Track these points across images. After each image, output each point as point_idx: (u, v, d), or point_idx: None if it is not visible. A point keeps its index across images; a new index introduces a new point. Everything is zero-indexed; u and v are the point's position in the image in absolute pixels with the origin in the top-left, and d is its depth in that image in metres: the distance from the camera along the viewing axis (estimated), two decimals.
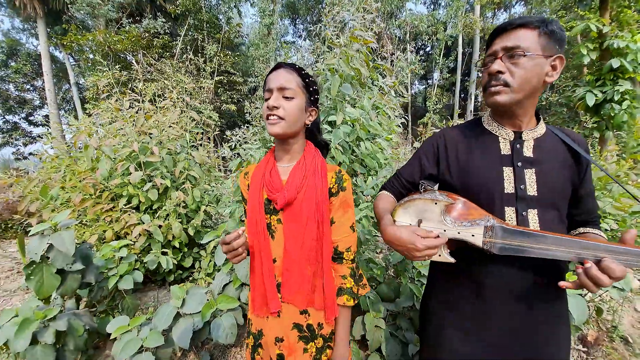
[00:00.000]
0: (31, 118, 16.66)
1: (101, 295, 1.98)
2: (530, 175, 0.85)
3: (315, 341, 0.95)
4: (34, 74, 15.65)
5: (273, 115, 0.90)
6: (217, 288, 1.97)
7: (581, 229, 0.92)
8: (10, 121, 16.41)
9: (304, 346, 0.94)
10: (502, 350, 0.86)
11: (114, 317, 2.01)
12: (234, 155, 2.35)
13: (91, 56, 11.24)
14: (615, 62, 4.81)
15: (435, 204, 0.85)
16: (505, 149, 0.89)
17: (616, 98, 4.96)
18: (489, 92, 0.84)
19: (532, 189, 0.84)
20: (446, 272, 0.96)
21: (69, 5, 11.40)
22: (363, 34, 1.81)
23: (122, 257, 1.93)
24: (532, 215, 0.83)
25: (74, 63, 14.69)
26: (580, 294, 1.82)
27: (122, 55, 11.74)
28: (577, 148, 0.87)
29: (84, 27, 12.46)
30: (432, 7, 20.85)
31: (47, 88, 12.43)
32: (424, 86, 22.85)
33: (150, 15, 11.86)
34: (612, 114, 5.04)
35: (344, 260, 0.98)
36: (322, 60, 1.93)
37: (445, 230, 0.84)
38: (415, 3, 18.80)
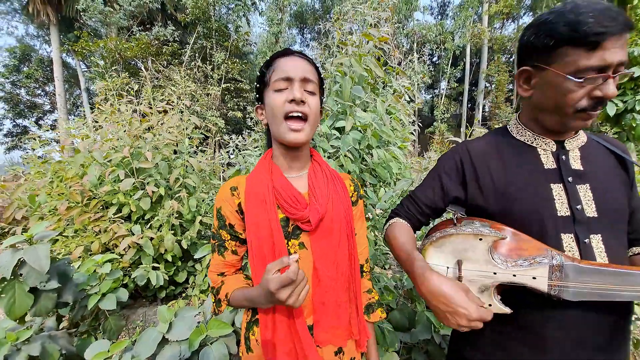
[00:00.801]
0: (41, 122, 16.92)
1: (83, 314, 1.80)
2: (585, 193, 0.69)
3: None
4: (46, 79, 15.97)
5: (298, 112, 0.70)
6: (210, 308, 1.78)
7: (635, 249, 0.76)
8: (21, 125, 16.66)
9: None
10: None
11: (96, 339, 1.83)
12: (234, 163, 2.19)
13: (101, 62, 11.37)
14: (637, 71, 4.60)
15: (480, 239, 0.66)
16: (548, 162, 0.72)
17: (637, 108, 4.75)
18: (584, 116, 0.64)
19: (590, 210, 0.67)
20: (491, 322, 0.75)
21: (81, 13, 11.62)
22: (376, 33, 1.65)
23: (106, 273, 1.75)
24: (597, 242, 0.66)
25: (85, 69, 14.96)
26: None
27: (132, 62, 11.90)
28: (624, 155, 0.73)
29: (95, 34, 12.70)
30: (439, 17, 20.89)
31: (57, 93, 12.62)
32: (430, 95, 22.73)
33: (161, 23, 12.04)
34: (634, 125, 4.81)
35: (364, 274, 0.88)
36: (330, 62, 1.77)
37: (495, 273, 0.65)
38: (423, 13, 18.81)
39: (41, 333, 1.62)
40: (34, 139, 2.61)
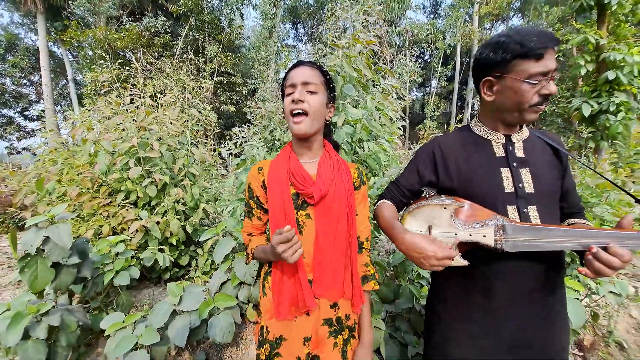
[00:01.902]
0: (26, 113, 16.48)
1: (95, 292, 1.94)
2: (525, 174, 0.89)
3: (343, 333, 0.96)
4: (31, 69, 15.53)
5: (298, 109, 0.91)
6: (214, 286, 1.95)
7: (569, 220, 0.98)
8: (5, 115, 16.20)
9: (333, 341, 0.94)
10: (511, 349, 0.87)
11: (107, 314, 1.97)
12: (230, 155, 2.34)
13: (90, 53, 11.18)
14: (611, 74, 4.92)
15: (445, 208, 0.87)
16: (499, 151, 0.93)
17: (611, 109, 5.07)
18: (535, 110, 0.84)
19: (529, 187, 0.88)
20: (453, 275, 0.96)
21: (69, 2, 11.36)
22: (365, 36, 1.83)
23: (118, 253, 1.90)
24: (533, 212, 0.87)
25: (73, 59, 14.61)
26: (578, 298, 1.84)
27: (122, 53, 11.71)
28: (558, 146, 0.94)
29: (84, 23, 12.42)
30: (431, 16, 21.15)
31: (44, 83, 12.33)
32: (421, 94, 23.08)
33: (151, 14, 11.87)
34: (608, 125, 5.14)
35: (364, 250, 1.04)
36: (323, 62, 1.94)
37: (456, 234, 0.85)
38: (415, 11, 19.01)
39: (58, 307, 1.76)
40: (43, 129, 2.70)
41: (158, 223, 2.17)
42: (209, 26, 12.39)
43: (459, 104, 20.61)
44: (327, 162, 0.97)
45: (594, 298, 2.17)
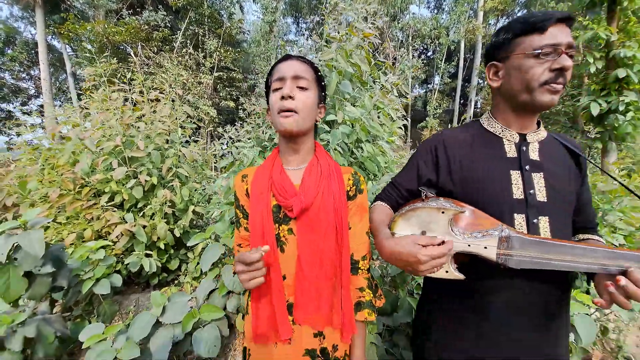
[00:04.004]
0: (26, 107, 16.37)
1: (77, 299, 1.84)
2: (538, 180, 0.79)
3: None
4: (30, 63, 15.41)
5: (287, 107, 0.79)
6: (202, 295, 1.84)
7: (580, 236, 0.88)
8: (4, 110, 16.10)
9: None
10: None
11: (90, 322, 1.87)
12: (226, 154, 2.22)
13: (89, 47, 11.03)
14: (621, 72, 4.74)
15: (442, 212, 0.75)
16: (510, 151, 0.82)
17: (621, 109, 4.90)
18: (549, 88, 0.73)
19: (541, 195, 0.77)
20: (447, 288, 0.84)
21: None
22: (362, 27, 1.69)
23: (100, 259, 1.79)
24: (544, 223, 0.77)
25: (72, 53, 14.46)
26: (587, 313, 1.72)
27: (121, 47, 11.57)
28: (579, 152, 0.84)
29: (82, 16, 12.27)
30: (435, 11, 20.82)
31: (42, 77, 12.20)
32: (424, 90, 22.82)
33: (151, 8, 11.67)
34: (616, 125, 4.97)
35: (359, 271, 0.89)
36: (319, 55, 1.81)
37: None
38: (418, 6, 18.70)
39: (35, 317, 1.66)
40: (24, 125, 2.59)
41: (144, 227, 2.06)
42: (209, 20, 12.22)
43: (462, 101, 20.37)
44: (314, 169, 0.85)
45: (605, 312, 2.06)
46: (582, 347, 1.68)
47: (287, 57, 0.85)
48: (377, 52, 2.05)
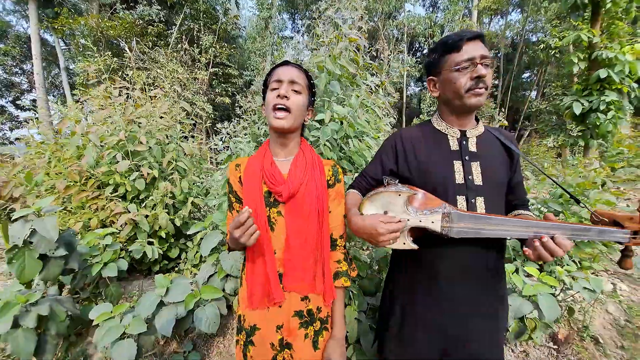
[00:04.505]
0: (18, 102, 16.20)
1: (84, 283, 1.97)
2: (476, 168, 0.97)
3: (314, 324, 1.00)
4: (23, 57, 15.23)
5: (281, 104, 0.93)
6: (202, 279, 1.99)
7: (515, 212, 1.06)
8: None
9: (304, 332, 0.99)
10: (454, 329, 0.95)
11: (97, 305, 2.01)
12: (224, 148, 2.36)
13: (82, 41, 10.96)
14: (602, 73, 4.96)
15: (399, 195, 0.92)
16: (454, 145, 1.00)
17: (602, 108, 5.12)
18: (474, 93, 0.91)
19: (478, 179, 0.96)
20: (406, 261, 1.05)
21: None
22: (350, 32, 1.84)
23: (106, 245, 1.93)
24: (480, 202, 0.95)
25: (65, 47, 14.32)
26: (553, 294, 1.91)
27: (115, 42, 11.51)
28: (509, 144, 1.02)
29: (76, 10, 12.15)
30: (430, 9, 20.95)
31: (35, 72, 12.08)
32: (419, 88, 23.01)
33: (145, 2, 11.62)
34: (598, 124, 5.20)
35: (337, 247, 1.06)
36: (309, 60, 1.95)
37: (408, 220, 0.90)
38: (413, 5, 18.81)
39: (47, 296, 1.79)
40: (25, 120, 2.69)
41: (147, 216, 2.20)
42: (204, 15, 12.19)
43: None
44: (300, 161, 1.01)
45: (570, 293, 2.25)
46: (546, 322, 1.87)
47: (286, 63, 1.00)
48: (368, 52, 2.19)
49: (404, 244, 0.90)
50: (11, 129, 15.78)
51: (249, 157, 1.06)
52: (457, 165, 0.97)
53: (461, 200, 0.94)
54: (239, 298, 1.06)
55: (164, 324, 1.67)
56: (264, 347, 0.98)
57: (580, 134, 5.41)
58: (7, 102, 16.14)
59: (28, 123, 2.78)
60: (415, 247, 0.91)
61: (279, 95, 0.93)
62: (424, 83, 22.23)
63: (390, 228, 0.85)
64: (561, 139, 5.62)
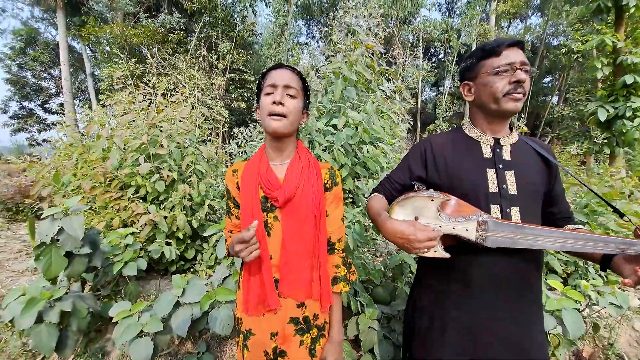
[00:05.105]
0: (46, 106, 17.06)
1: (105, 280, 2.04)
2: (510, 177, 0.94)
3: (311, 332, 0.98)
4: (51, 63, 16.03)
5: (277, 112, 0.92)
6: (217, 280, 2.02)
7: (569, 226, 1.01)
8: (26, 108, 16.81)
9: (300, 339, 0.97)
10: (487, 335, 0.91)
11: (116, 302, 2.07)
12: (240, 153, 2.41)
13: (107, 48, 11.48)
14: (629, 79, 4.77)
15: (432, 200, 0.90)
16: (487, 153, 0.98)
17: (628, 114, 4.91)
18: (511, 97, 0.90)
19: (512, 189, 0.93)
20: (436, 268, 1.01)
21: None
22: (366, 39, 1.85)
23: (127, 245, 1.99)
24: (515, 212, 0.92)
25: (91, 54, 15.03)
26: (577, 309, 1.83)
27: (138, 49, 11.98)
28: (546, 154, 0.99)
29: (102, 19, 12.75)
30: (446, 14, 20.77)
31: (63, 77, 12.72)
32: (434, 93, 22.75)
33: (167, 11, 12.08)
34: (624, 131, 4.99)
35: (335, 251, 1.04)
36: (325, 66, 1.97)
37: (441, 226, 0.89)
38: (429, 10, 18.69)
39: (70, 293, 1.86)
40: (52, 124, 2.83)
41: (165, 217, 2.26)
42: (222, 23, 12.53)
43: None
44: (295, 165, 0.98)
45: (595, 309, 2.15)
46: (570, 339, 1.79)
47: (280, 66, 0.97)
48: (384, 57, 2.20)
49: (435, 251, 0.88)
50: (39, 131, 16.59)
51: (246, 162, 1.04)
52: (490, 173, 0.95)
53: (495, 210, 0.92)
54: (237, 301, 1.06)
55: (180, 324, 1.70)
56: (258, 353, 0.97)
57: (605, 141, 5.20)
58: (35, 106, 17.00)
59: (57, 126, 2.93)
60: (447, 255, 0.88)
61: (274, 102, 0.91)
62: (440, 88, 22.00)
63: (429, 236, 0.84)
64: (585, 146, 5.41)
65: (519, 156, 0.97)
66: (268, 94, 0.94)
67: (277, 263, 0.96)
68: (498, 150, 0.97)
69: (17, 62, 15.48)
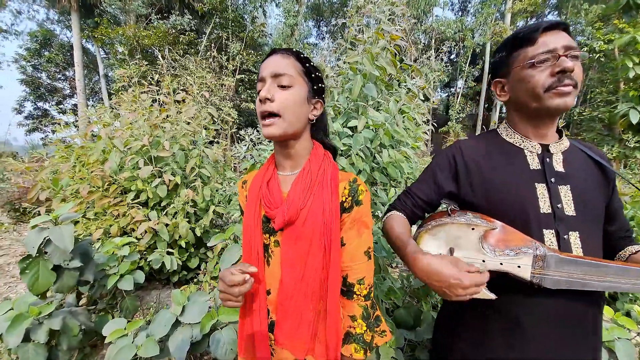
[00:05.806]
0: (61, 106, 17.38)
1: (101, 293, 1.89)
2: (565, 193, 0.75)
3: None
4: (66, 64, 16.35)
5: (266, 111, 0.71)
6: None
7: (632, 248, 0.81)
8: (41, 108, 17.17)
9: None
10: None
11: (113, 317, 1.92)
12: (248, 156, 2.23)
13: (120, 49, 11.59)
14: None
15: (472, 229, 0.70)
16: (534, 163, 0.78)
17: None
18: (557, 92, 0.70)
19: (569, 208, 0.74)
20: (470, 302, 0.78)
21: (101, 0, 11.83)
22: (390, 29, 1.64)
23: (124, 256, 1.84)
24: (574, 238, 0.72)
25: (104, 56, 15.25)
26: (628, 338, 1.59)
27: (149, 50, 12.06)
28: (602, 161, 0.80)
29: (115, 21, 12.91)
30: (460, 13, 20.34)
31: (77, 78, 12.92)
32: (446, 94, 22.30)
33: (178, 12, 12.12)
34: None
35: (354, 295, 0.76)
36: (344, 58, 1.77)
37: (484, 260, 0.70)
38: (442, 9, 18.36)
39: (62, 309, 1.72)
40: (58, 123, 2.72)
41: (167, 225, 2.10)
42: (233, 24, 12.52)
43: (487, 105, 19.71)
44: (304, 177, 0.75)
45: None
46: None
47: (271, 53, 0.76)
48: (403, 54, 1.99)
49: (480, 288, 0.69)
50: (53, 132, 16.89)
51: (256, 173, 0.85)
52: (541, 189, 0.75)
53: (550, 236, 0.72)
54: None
55: (178, 346, 1.53)
56: None
57: (638, 145, 4.84)
58: (50, 106, 17.34)
59: (62, 126, 2.82)
60: (492, 296, 0.68)
61: (260, 99, 0.71)
62: (452, 89, 21.56)
63: (476, 281, 0.64)
64: (615, 150, 5.05)
65: (574, 166, 0.78)
66: (258, 91, 0.73)
67: (274, 300, 0.76)
68: (547, 159, 0.78)
69: (32, 63, 15.83)
